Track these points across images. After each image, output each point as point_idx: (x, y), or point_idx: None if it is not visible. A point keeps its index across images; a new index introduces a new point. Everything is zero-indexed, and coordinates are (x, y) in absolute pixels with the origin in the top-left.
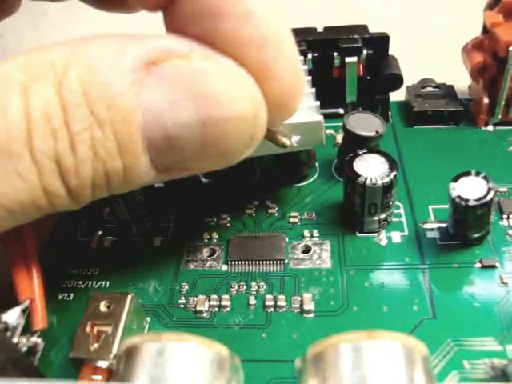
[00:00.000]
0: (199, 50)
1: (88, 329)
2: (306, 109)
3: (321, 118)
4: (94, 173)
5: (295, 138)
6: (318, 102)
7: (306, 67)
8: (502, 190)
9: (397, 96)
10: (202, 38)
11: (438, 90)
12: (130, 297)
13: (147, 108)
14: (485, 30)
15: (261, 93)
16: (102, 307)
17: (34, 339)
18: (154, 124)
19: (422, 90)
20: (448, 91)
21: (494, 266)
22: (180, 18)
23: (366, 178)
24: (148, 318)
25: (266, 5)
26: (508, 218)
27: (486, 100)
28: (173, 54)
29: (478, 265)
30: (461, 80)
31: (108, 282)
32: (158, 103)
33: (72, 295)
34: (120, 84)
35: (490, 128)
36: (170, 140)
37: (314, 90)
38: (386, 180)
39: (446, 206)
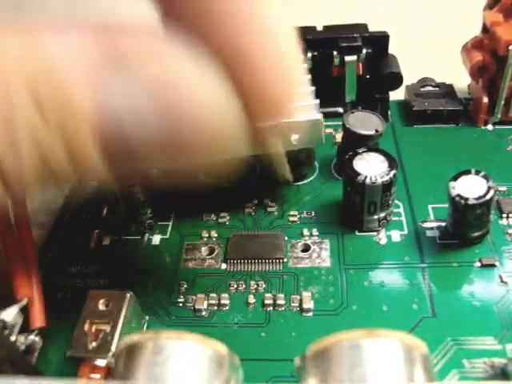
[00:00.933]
0: (167, 48)
1: (86, 327)
2: (305, 107)
3: (320, 116)
4: (37, 169)
5: (294, 137)
6: (317, 101)
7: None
8: (501, 189)
9: (396, 95)
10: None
11: (437, 89)
12: (128, 295)
13: (106, 109)
14: (484, 30)
15: (233, 90)
16: (101, 306)
17: (32, 338)
18: (113, 127)
19: (422, 90)
20: (447, 90)
21: (493, 265)
22: None
23: (365, 177)
24: (147, 317)
25: None
26: (507, 217)
27: (485, 99)
28: (140, 53)
29: (478, 264)
30: (460, 79)
31: (106, 281)
32: (118, 105)
33: (70, 293)
34: (78, 80)
35: (490, 127)
36: (128, 143)
37: (313, 88)
38: (386, 178)
39: (446, 205)
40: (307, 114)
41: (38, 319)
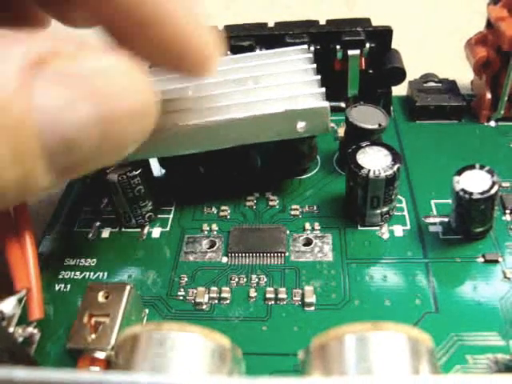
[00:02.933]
0: (88, 48)
1: (86, 319)
2: (312, 95)
3: (326, 104)
4: None
5: (301, 125)
6: (323, 89)
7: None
8: (504, 184)
9: (399, 91)
10: None
11: (440, 85)
12: (128, 287)
13: (41, 110)
14: (489, 25)
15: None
16: (100, 298)
17: (31, 329)
18: (50, 127)
19: (425, 85)
20: (450, 86)
21: (496, 261)
22: None
23: (368, 170)
24: (146, 310)
25: None
26: (511, 212)
27: (488, 95)
28: (61, 54)
29: (481, 259)
30: (463, 75)
31: (106, 274)
32: (53, 105)
33: (69, 286)
34: (7, 86)
35: (493, 123)
36: (68, 141)
37: (318, 77)
38: (390, 172)
39: (449, 201)
40: (313, 101)
41: (37, 311)
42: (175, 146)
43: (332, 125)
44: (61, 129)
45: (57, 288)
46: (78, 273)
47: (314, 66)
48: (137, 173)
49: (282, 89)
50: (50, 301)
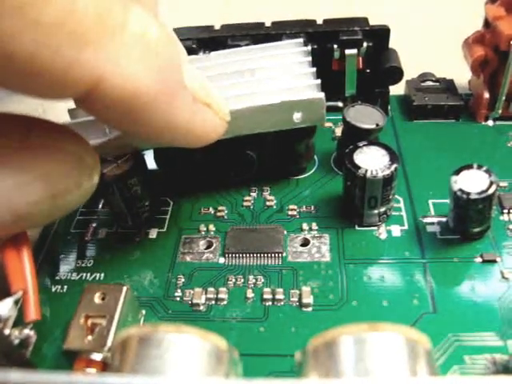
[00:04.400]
0: (37, 130)
1: (82, 321)
2: (307, 87)
3: (322, 95)
4: None
5: (297, 115)
6: (318, 81)
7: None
8: (502, 184)
9: (396, 90)
10: None
11: (437, 84)
12: (125, 288)
13: None
14: (486, 24)
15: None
16: (97, 299)
17: (27, 331)
18: (4, 208)
19: (422, 84)
20: (448, 85)
21: (494, 261)
22: None
23: (366, 170)
24: (143, 311)
25: None
26: (508, 212)
27: (486, 95)
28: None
29: (479, 259)
30: (460, 74)
31: (102, 275)
32: (6, 187)
33: (66, 287)
34: None
35: (490, 123)
36: (20, 218)
37: (314, 69)
38: (387, 172)
39: (446, 201)
40: (309, 92)
41: (33, 312)
42: None
43: (329, 124)
44: (14, 209)
45: (53, 289)
46: (74, 274)
47: (310, 58)
48: (133, 173)
49: (278, 81)
50: (46, 302)
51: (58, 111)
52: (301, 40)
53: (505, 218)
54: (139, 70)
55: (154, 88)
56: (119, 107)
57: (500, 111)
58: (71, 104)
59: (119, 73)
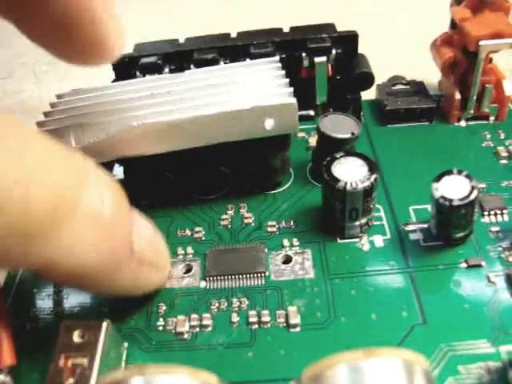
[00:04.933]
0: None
1: (62, 362)
2: (279, 94)
3: (294, 100)
4: None
5: (269, 122)
6: (291, 89)
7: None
8: (481, 186)
9: (367, 95)
10: None
11: (408, 87)
12: (105, 324)
13: None
14: (453, 25)
15: None
16: (76, 337)
17: (2, 377)
18: None
19: (393, 88)
20: (419, 88)
21: (479, 265)
22: None
23: (345, 183)
24: (125, 344)
25: None
26: (489, 214)
27: (457, 96)
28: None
29: (464, 265)
30: (430, 75)
31: (79, 308)
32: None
33: (41, 323)
34: None
35: (463, 123)
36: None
37: (287, 80)
38: (367, 183)
39: (427, 206)
40: (281, 98)
41: (8, 357)
42: (143, 146)
43: (303, 134)
44: None
45: (28, 327)
46: (47, 307)
47: (283, 72)
48: None
49: (251, 90)
50: (21, 342)
51: None
52: (276, 58)
53: (486, 220)
54: (88, 251)
55: (100, 264)
56: (65, 278)
57: (472, 111)
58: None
59: (67, 257)
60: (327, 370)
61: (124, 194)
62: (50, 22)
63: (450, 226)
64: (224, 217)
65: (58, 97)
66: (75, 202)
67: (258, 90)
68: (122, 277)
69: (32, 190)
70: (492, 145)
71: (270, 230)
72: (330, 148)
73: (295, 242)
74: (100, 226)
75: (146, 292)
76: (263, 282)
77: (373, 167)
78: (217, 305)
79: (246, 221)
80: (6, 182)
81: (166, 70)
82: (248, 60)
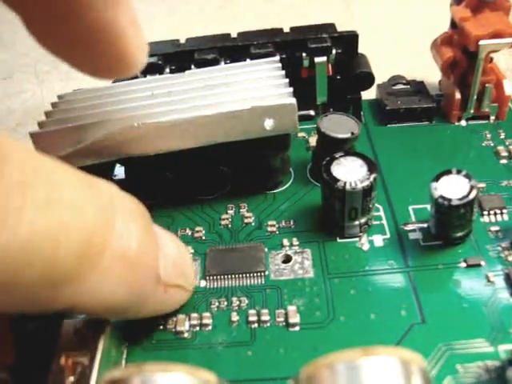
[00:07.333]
0: None
1: (62, 361)
2: (279, 95)
3: (293, 100)
4: None
5: (268, 122)
6: (290, 89)
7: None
8: (480, 185)
9: (367, 95)
10: None
11: (408, 86)
12: (105, 323)
13: None
14: (453, 25)
15: None
16: (76, 336)
17: (2, 375)
18: None
19: (393, 88)
20: (419, 88)
21: (479, 265)
22: None
23: (345, 183)
24: (126, 342)
25: None
26: (489, 214)
27: (458, 95)
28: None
29: (463, 264)
30: (430, 75)
31: None
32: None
33: (41, 322)
34: None
35: (463, 123)
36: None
37: (287, 80)
38: (366, 183)
39: (426, 206)
40: (280, 98)
41: (7, 355)
42: (143, 146)
43: (303, 134)
44: None
45: (28, 327)
46: None
47: (283, 72)
48: None
49: (250, 90)
50: (21, 342)
51: None
52: (277, 58)
53: (485, 219)
54: (116, 287)
55: (128, 297)
56: (92, 313)
57: (472, 111)
58: None
59: (96, 296)
60: (324, 369)
61: (148, 215)
62: (77, 38)
63: (449, 226)
64: (224, 216)
65: (60, 97)
66: (104, 241)
67: (258, 90)
68: (149, 304)
69: (61, 239)
70: (492, 144)
71: (269, 229)
72: (330, 148)
73: (295, 241)
74: (128, 260)
75: (170, 310)
76: (263, 282)
77: (372, 167)
78: (217, 304)
79: (246, 220)
80: (34, 237)
81: (167, 70)
82: (248, 60)
